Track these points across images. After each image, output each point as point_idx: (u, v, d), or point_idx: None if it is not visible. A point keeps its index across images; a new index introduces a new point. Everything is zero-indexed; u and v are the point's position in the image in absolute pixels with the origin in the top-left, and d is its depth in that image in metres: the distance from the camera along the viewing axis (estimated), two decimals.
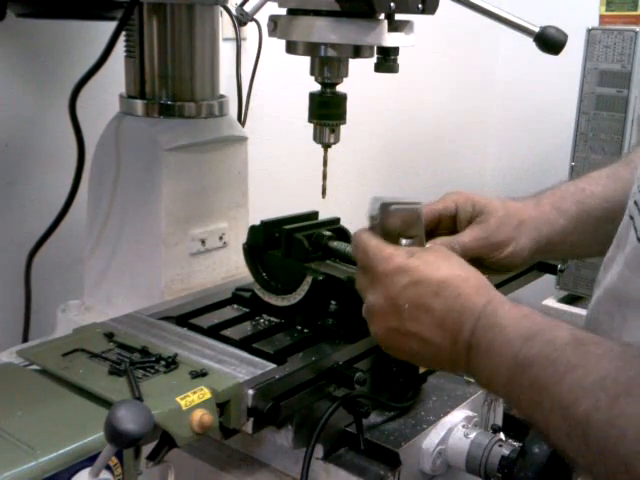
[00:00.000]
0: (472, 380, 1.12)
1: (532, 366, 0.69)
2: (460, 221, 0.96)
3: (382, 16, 1.00)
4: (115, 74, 1.27)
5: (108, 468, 0.74)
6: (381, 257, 0.80)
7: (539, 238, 0.95)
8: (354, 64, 1.08)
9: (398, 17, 1.01)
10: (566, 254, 1.03)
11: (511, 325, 0.72)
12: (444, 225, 0.97)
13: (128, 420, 0.65)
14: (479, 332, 0.74)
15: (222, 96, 1.33)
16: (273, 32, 1.05)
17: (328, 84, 1.08)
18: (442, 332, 0.76)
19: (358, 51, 1.04)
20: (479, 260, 0.93)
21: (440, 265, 0.79)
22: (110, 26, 1.17)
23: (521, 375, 0.70)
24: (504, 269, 0.96)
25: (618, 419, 0.60)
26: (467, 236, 0.93)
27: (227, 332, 1.05)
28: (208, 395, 0.84)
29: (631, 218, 0.81)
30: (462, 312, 0.75)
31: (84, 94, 1.21)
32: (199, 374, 0.88)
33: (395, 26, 1.01)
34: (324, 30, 0.99)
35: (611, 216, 0.95)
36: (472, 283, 0.77)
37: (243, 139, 1.33)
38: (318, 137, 1.11)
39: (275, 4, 1.05)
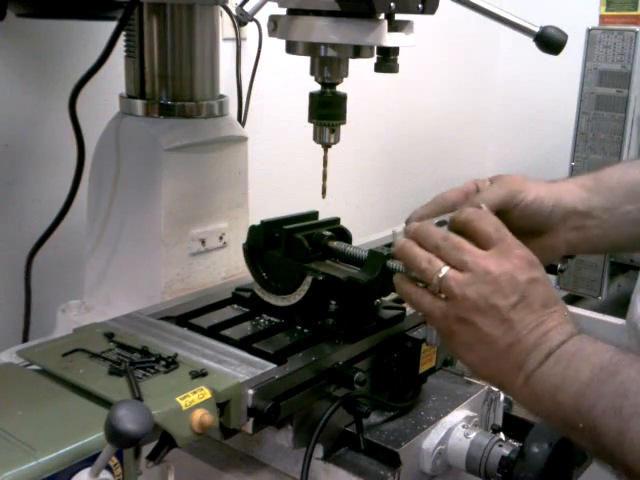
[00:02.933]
0: (472, 380, 1.13)
1: (620, 374, 0.71)
2: None
3: (382, 16, 1.00)
4: (115, 74, 1.27)
5: (108, 468, 0.74)
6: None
7: (562, 198, 0.95)
8: (354, 64, 1.08)
9: (398, 17, 1.01)
10: (601, 239, 0.98)
11: (604, 343, 0.76)
12: None
13: (128, 420, 0.65)
14: (571, 340, 0.77)
15: (222, 96, 1.33)
16: (273, 32, 1.05)
17: (328, 84, 1.08)
18: (531, 333, 0.78)
19: (358, 51, 1.04)
20: (506, 216, 0.92)
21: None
22: (110, 26, 1.17)
23: (605, 381, 0.72)
24: (534, 225, 0.94)
25: None
26: (486, 191, 0.93)
27: (227, 332, 1.05)
28: (208, 395, 0.84)
29: None
30: (561, 322, 0.79)
31: (84, 94, 1.21)
32: (199, 374, 0.88)
33: (395, 26, 1.01)
34: (324, 30, 0.99)
35: (633, 196, 0.96)
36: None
37: (243, 139, 1.33)
38: (318, 137, 1.11)
39: (275, 4, 1.05)
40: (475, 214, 0.85)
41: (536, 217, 0.94)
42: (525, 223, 0.94)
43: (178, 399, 0.81)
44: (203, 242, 1.28)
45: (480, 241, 0.82)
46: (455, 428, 1.04)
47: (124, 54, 1.26)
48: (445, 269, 0.81)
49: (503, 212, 0.92)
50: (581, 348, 0.77)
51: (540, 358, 0.77)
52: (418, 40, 1.06)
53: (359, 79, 1.15)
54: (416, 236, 0.86)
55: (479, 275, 0.79)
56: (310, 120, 1.10)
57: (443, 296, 0.82)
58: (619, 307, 2.00)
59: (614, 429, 0.70)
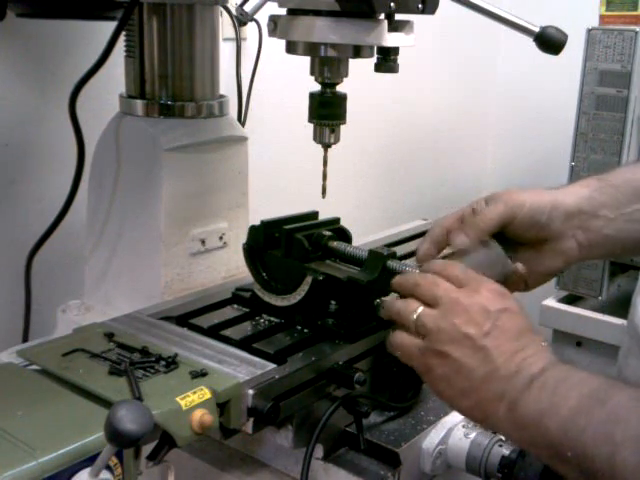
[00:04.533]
0: None
1: (610, 400, 0.70)
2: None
3: (382, 16, 1.00)
4: (115, 74, 1.27)
5: (108, 468, 0.74)
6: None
7: (564, 200, 0.94)
8: (354, 64, 1.08)
9: (398, 17, 1.01)
10: (614, 241, 0.96)
11: (590, 373, 0.75)
12: None
13: (128, 420, 0.65)
14: (554, 367, 0.76)
15: (222, 96, 1.33)
16: (273, 32, 1.05)
17: (328, 84, 1.08)
18: (509, 360, 0.78)
19: (358, 51, 1.04)
20: (507, 238, 0.93)
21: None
22: (110, 26, 1.17)
23: (595, 407, 0.71)
24: (537, 232, 0.94)
25: None
26: (485, 210, 0.93)
27: (227, 332, 1.05)
28: (208, 395, 0.84)
29: None
30: (540, 350, 0.78)
31: (84, 94, 1.21)
32: (199, 374, 0.88)
33: (395, 26, 1.01)
34: (324, 30, 0.99)
35: (638, 194, 0.94)
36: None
37: (243, 139, 1.33)
38: (318, 137, 1.11)
39: (275, 4, 1.05)
40: (441, 265, 0.87)
41: (535, 224, 0.93)
42: (528, 234, 0.94)
43: (178, 399, 0.81)
44: (203, 242, 1.28)
45: (452, 283, 0.84)
46: (455, 428, 1.04)
47: (124, 54, 1.26)
48: (420, 308, 0.83)
49: (504, 229, 0.92)
50: (568, 375, 0.76)
51: (522, 384, 0.76)
52: (418, 40, 1.06)
53: (359, 79, 1.15)
54: (395, 286, 0.89)
55: (451, 307, 0.81)
56: (310, 120, 1.10)
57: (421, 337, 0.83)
58: (619, 307, 2.00)
59: (605, 454, 0.68)
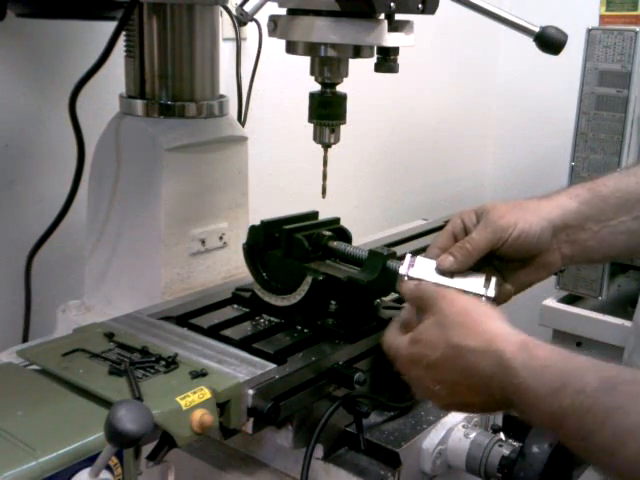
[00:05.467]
0: None
1: (567, 418, 0.70)
2: (470, 231, 0.95)
3: (382, 16, 1.00)
4: (115, 74, 1.27)
5: (108, 468, 0.74)
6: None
7: (551, 217, 0.94)
8: (354, 64, 1.08)
9: (398, 17, 1.01)
10: (596, 251, 0.97)
11: (534, 381, 0.73)
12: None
13: (128, 420, 0.65)
14: (509, 394, 0.75)
15: (222, 96, 1.33)
16: (273, 32, 1.05)
17: (328, 84, 1.08)
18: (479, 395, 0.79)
19: (358, 51, 1.04)
20: (496, 256, 0.93)
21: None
22: (110, 26, 1.17)
23: (560, 427, 0.71)
24: (525, 252, 0.94)
25: None
26: (474, 232, 0.93)
27: (227, 332, 1.05)
28: (208, 395, 0.84)
29: None
30: (486, 382, 0.78)
31: (84, 94, 1.21)
32: (199, 374, 0.88)
33: (395, 26, 1.01)
34: (324, 30, 0.99)
35: (628, 206, 0.95)
36: (480, 343, 0.78)
37: (243, 139, 1.32)
38: (318, 137, 1.11)
39: (275, 4, 1.06)
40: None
41: (526, 246, 0.93)
42: (517, 254, 0.94)
43: (178, 399, 0.81)
44: (203, 242, 1.28)
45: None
46: (455, 428, 1.04)
47: (124, 54, 1.26)
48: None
49: (493, 249, 0.93)
50: (523, 398, 0.75)
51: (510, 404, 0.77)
52: (418, 40, 1.06)
53: (359, 79, 1.15)
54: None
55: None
56: (310, 120, 1.10)
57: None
58: (619, 307, 2.00)
59: (595, 463, 0.70)
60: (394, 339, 0.88)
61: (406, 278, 0.92)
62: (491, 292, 0.91)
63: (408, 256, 0.95)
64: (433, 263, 0.94)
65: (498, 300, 0.93)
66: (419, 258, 0.94)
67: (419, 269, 0.93)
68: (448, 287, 0.90)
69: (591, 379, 0.70)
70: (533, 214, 0.94)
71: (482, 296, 0.91)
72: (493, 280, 0.92)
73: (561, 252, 0.96)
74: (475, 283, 0.92)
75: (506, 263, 0.95)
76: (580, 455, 0.71)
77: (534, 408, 0.73)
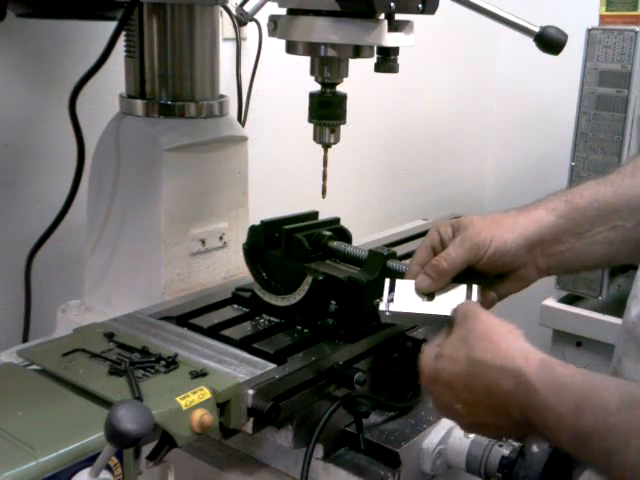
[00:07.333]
0: None
1: (590, 437, 0.69)
2: (447, 245, 0.95)
3: (382, 16, 1.00)
4: (115, 74, 1.27)
5: (108, 468, 0.74)
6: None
7: (527, 233, 0.93)
8: (354, 64, 1.08)
9: (398, 17, 1.01)
10: (573, 262, 0.98)
11: (555, 399, 0.73)
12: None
13: (128, 420, 0.65)
14: (528, 414, 0.75)
15: (222, 96, 1.33)
16: (273, 32, 1.05)
17: (328, 84, 1.08)
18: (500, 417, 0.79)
19: (358, 51, 1.04)
20: (473, 270, 0.93)
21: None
22: (110, 26, 1.17)
23: (583, 446, 0.71)
24: (501, 269, 0.94)
25: None
26: (450, 248, 0.93)
27: (227, 332, 1.05)
28: (208, 395, 0.84)
29: None
30: (505, 401, 0.77)
31: (84, 94, 1.21)
32: (199, 374, 0.88)
33: (395, 26, 1.01)
34: (324, 30, 0.99)
35: (604, 217, 0.95)
36: (500, 360, 0.78)
37: (243, 139, 1.33)
38: (318, 137, 1.11)
39: (275, 4, 1.05)
40: None
41: (501, 263, 0.93)
42: (493, 269, 0.94)
43: (178, 399, 0.81)
44: (203, 242, 1.28)
45: None
46: (455, 428, 1.04)
47: (124, 54, 1.26)
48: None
49: (469, 265, 0.92)
50: (543, 419, 0.75)
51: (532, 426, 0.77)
52: (418, 40, 1.06)
53: (359, 79, 1.15)
54: None
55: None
56: (310, 120, 1.10)
57: None
58: (619, 307, 1.99)
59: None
60: (426, 354, 0.86)
61: (387, 314, 0.91)
62: None
63: (386, 285, 0.93)
64: (412, 284, 0.92)
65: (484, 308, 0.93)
66: (398, 283, 0.93)
67: (399, 300, 0.91)
68: (432, 315, 0.89)
69: (613, 397, 0.69)
70: (509, 230, 0.93)
71: None
72: (475, 292, 0.92)
73: (537, 266, 0.96)
74: (456, 304, 0.90)
75: (482, 277, 0.95)
76: (602, 474, 0.71)
77: (554, 427, 0.73)
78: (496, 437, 0.97)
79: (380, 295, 1.11)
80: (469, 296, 0.91)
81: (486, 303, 0.94)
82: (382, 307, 0.91)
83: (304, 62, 1.08)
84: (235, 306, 1.16)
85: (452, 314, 0.87)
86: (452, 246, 0.93)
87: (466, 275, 0.93)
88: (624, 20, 1.96)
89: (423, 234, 1.51)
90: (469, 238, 0.92)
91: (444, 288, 0.92)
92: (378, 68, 1.04)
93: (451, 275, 0.92)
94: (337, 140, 1.11)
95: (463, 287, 0.92)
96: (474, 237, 0.92)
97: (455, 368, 0.80)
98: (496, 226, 0.94)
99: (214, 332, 1.05)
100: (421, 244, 0.97)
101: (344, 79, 1.09)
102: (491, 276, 0.95)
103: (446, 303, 0.91)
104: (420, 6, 0.99)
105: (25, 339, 1.41)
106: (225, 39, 1.63)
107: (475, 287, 0.92)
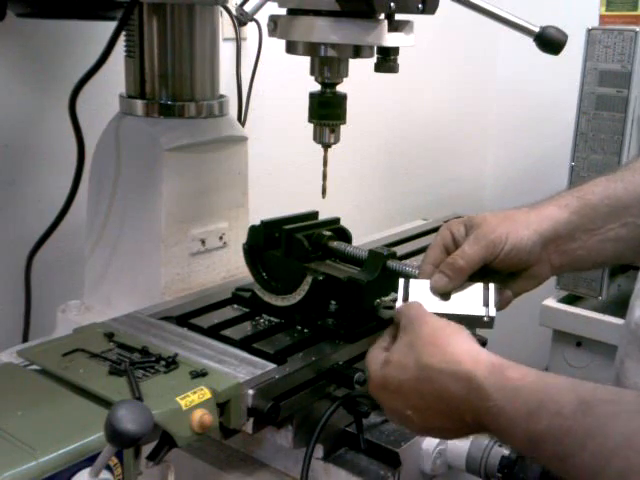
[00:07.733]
0: None
1: (544, 441, 0.68)
2: (460, 244, 0.94)
3: (382, 16, 1.00)
4: (115, 74, 1.27)
5: (108, 468, 0.74)
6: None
7: (541, 230, 0.93)
8: (354, 64, 1.08)
9: (398, 17, 1.01)
10: (585, 259, 0.96)
11: (507, 404, 0.72)
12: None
13: (128, 420, 0.65)
14: (482, 419, 0.74)
15: (222, 96, 1.33)
16: (273, 32, 1.05)
17: (328, 84, 1.08)
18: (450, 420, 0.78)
19: (358, 51, 1.04)
20: (487, 268, 0.92)
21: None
22: (110, 26, 1.17)
23: (537, 450, 0.70)
24: (516, 266, 0.93)
25: None
26: (466, 245, 0.92)
27: (227, 332, 1.05)
28: (208, 395, 0.84)
29: None
30: (457, 405, 0.76)
31: (84, 94, 1.21)
32: (199, 374, 0.88)
33: (395, 26, 1.01)
34: (324, 30, 0.99)
35: (616, 213, 0.94)
36: (449, 365, 0.77)
37: (243, 139, 1.33)
38: (318, 137, 1.11)
39: (275, 4, 1.05)
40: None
41: (517, 260, 0.92)
42: (508, 267, 0.93)
43: (178, 399, 0.81)
44: (203, 242, 1.28)
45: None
46: None
47: (124, 54, 1.26)
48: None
49: (485, 263, 0.92)
50: (496, 423, 0.74)
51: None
52: (418, 40, 1.06)
53: (359, 79, 1.15)
54: None
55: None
56: (310, 120, 1.10)
57: None
58: (619, 307, 2.00)
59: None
60: (372, 360, 0.85)
61: None
62: (492, 311, 0.89)
63: (401, 285, 0.92)
64: (427, 284, 0.91)
65: (500, 306, 0.92)
66: (412, 283, 0.92)
67: (414, 298, 0.90)
68: (449, 314, 0.88)
69: (567, 400, 0.68)
70: (524, 227, 0.93)
71: (484, 317, 0.89)
72: (492, 291, 0.91)
73: (550, 263, 0.95)
74: (474, 303, 0.90)
75: (495, 275, 0.94)
76: (560, 476, 0.70)
77: (508, 431, 0.72)
78: (448, 439, 0.99)
79: (380, 295, 1.11)
80: (486, 295, 0.91)
81: (503, 301, 0.94)
82: (398, 304, 0.91)
83: (304, 62, 1.08)
84: (235, 306, 1.16)
85: (396, 317, 0.86)
86: (467, 243, 0.92)
87: (480, 274, 0.92)
88: (624, 20, 1.96)
89: (423, 234, 1.52)
90: (484, 235, 0.91)
91: (460, 287, 0.91)
92: (378, 68, 1.04)
93: (468, 273, 0.90)
94: (337, 140, 1.11)
95: (479, 285, 0.92)
96: (489, 234, 0.91)
97: (404, 374, 0.79)
98: (510, 223, 0.93)
99: (214, 332, 1.05)
100: (432, 243, 0.96)
101: (344, 79, 1.09)
102: (505, 274, 0.94)
103: (463, 302, 0.90)
104: (420, 6, 0.99)
105: (25, 339, 1.41)
106: (225, 39, 1.63)
107: (492, 285, 0.91)
